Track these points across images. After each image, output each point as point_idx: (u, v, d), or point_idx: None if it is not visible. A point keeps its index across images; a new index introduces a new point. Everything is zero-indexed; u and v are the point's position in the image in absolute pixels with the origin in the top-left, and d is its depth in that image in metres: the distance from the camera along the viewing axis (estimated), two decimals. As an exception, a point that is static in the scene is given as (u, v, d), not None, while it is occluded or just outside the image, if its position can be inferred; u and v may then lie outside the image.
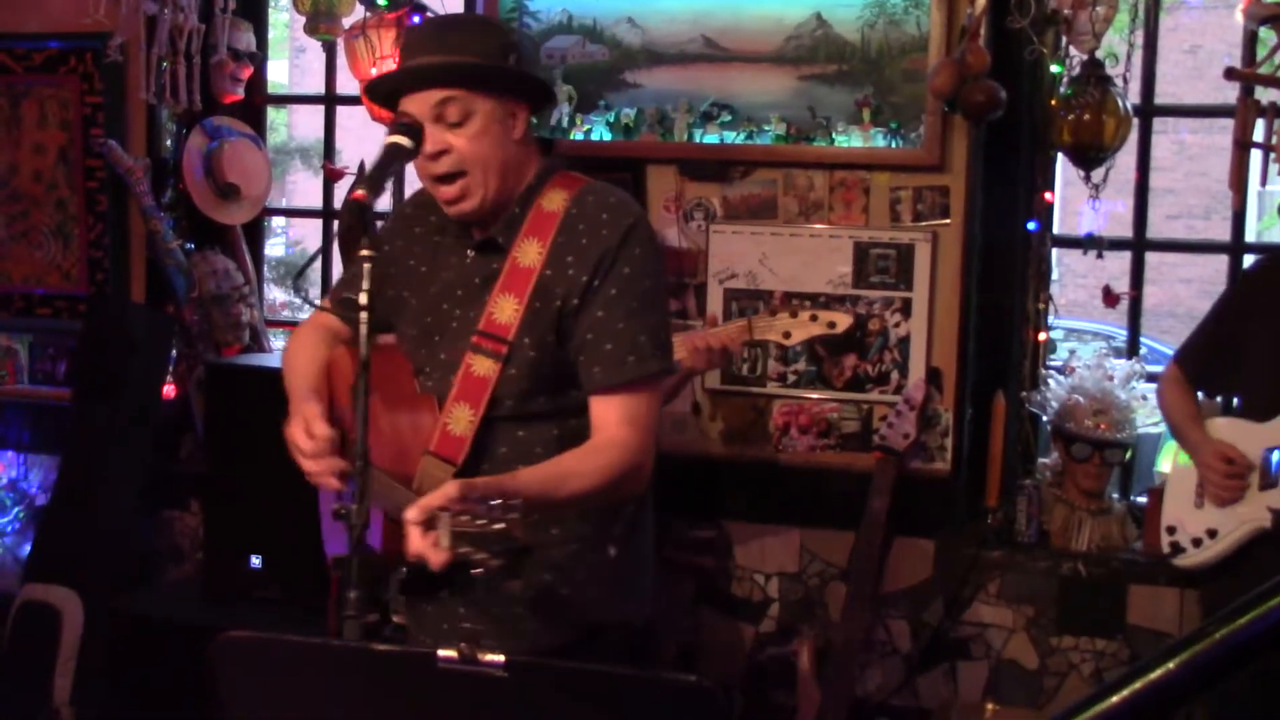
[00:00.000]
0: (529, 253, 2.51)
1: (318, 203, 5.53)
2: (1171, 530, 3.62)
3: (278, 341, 5.71)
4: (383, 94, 2.61)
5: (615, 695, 1.69)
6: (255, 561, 4.57)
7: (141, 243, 5.16)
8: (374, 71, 4.69)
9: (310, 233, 6.18)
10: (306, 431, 2.46)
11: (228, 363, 4.97)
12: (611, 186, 2.66)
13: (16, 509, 5.40)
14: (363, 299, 2.26)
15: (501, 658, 1.59)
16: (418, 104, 2.50)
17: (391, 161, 2.52)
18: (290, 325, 6.06)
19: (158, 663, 4.40)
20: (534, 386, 2.51)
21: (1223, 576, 3.53)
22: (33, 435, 5.38)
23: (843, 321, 3.89)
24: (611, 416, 2.47)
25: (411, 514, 2.13)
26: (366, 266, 2.29)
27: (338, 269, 5.16)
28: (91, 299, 5.21)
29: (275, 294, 6.67)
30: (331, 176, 5.28)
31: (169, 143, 5.21)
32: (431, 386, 2.58)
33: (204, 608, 4.58)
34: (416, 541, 2.12)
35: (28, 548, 5.18)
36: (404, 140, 2.55)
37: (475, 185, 2.52)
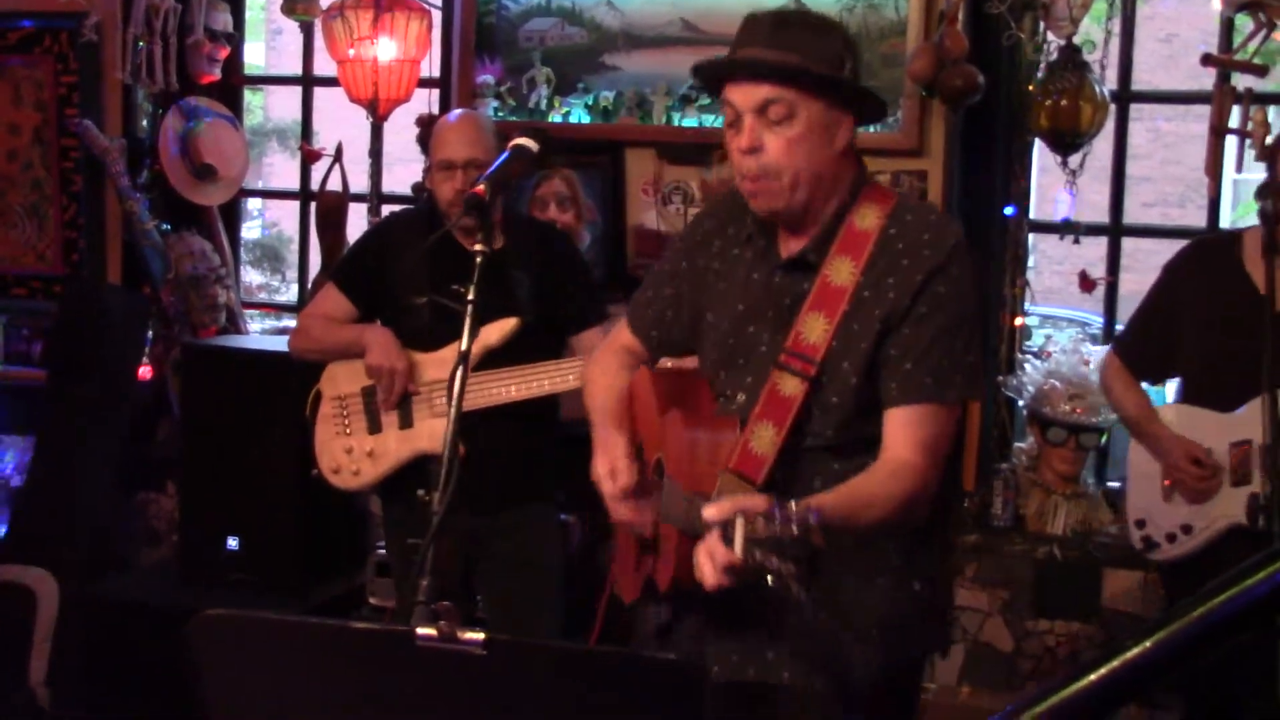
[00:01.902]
0: (842, 271, 2.38)
1: (294, 184, 5.52)
2: (1141, 524, 3.60)
3: (254, 324, 5.70)
4: (708, 76, 2.47)
5: (594, 673, 1.70)
6: (231, 544, 4.56)
7: (117, 223, 5.13)
8: (352, 53, 4.67)
9: (287, 215, 6.16)
10: (611, 473, 2.42)
11: (204, 344, 4.95)
12: (928, 204, 2.53)
13: (-9, 490, 5.38)
14: (470, 294, 2.26)
15: (480, 635, 1.59)
16: (742, 95, 2.35)
17: (515, 162, 2.48)
18: (267, 308, 6.05)
19: (133, 644, 4.39)
20: (856, 415, 2.38)
21: (1193, 572, 3.52)
22: (8, 416, 5.35)
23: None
24: (902, 436, 2.34)
25: (710, 512, 2.04)
26: (478, 261, 2.29)
27: (315, 255, 5.17)
28: (67, 280, 5.19)
29: (252, 276, 6.66)
30: (309, 158, 5.26)
31: (145, 123, 5.18)
32: (735, 410, 2.46)
33: (179, 590, 4.57)
34: (712, 543, 2.04)
35: (2, 529, 5.17)
36: (529, 144, 2.50)
37: (780, 190, 2.37)
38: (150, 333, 5.12)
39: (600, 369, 2.73)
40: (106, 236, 5.17)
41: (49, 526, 4.81)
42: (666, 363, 2.83)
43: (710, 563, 2.05)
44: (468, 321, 2.29)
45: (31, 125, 5.20)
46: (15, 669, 4.47)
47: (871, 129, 4.32)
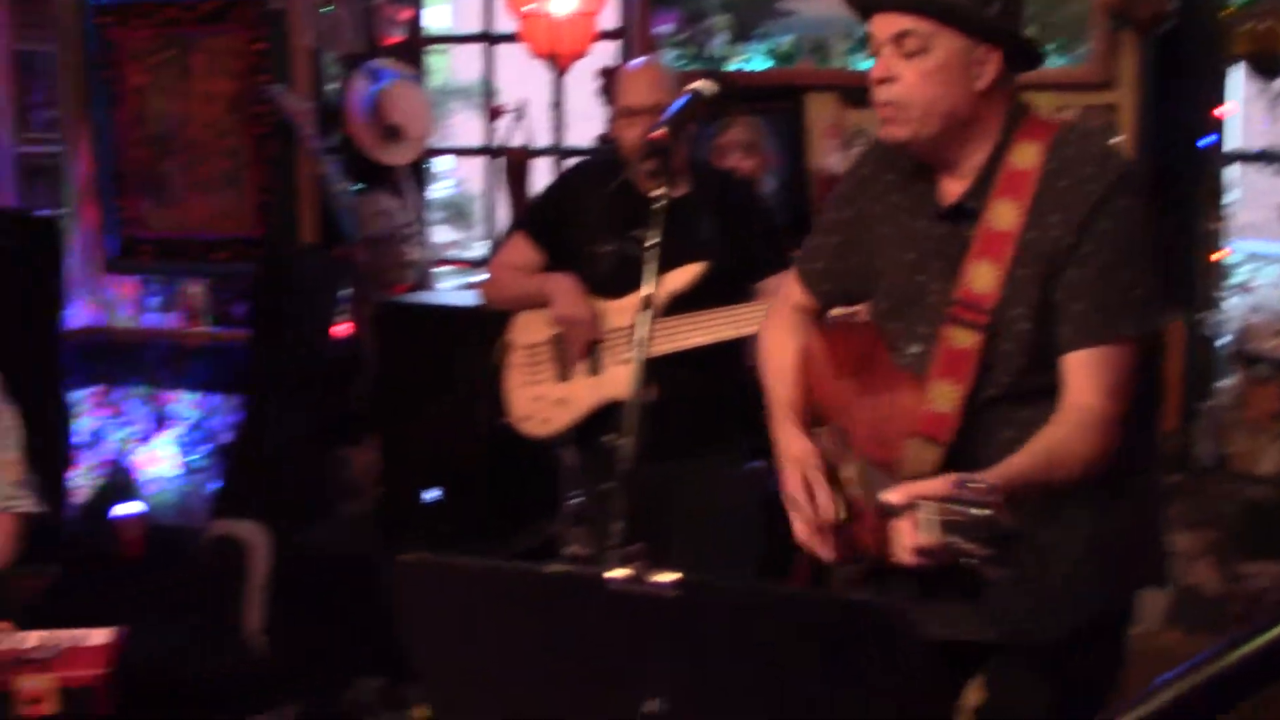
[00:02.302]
0: (1005, 215, 2.30)
1: (480, 142, 5.59)
2: None
3: (446, 282, 5.82)
4: (857, 7, 2.44)
5: (792, 616, 1.69)
6: (430, 495, 4.66)
7: (311, 186, 5.26)
8: (529, 9, 4.70)
9: (474, 173, 6.26)
10: (808, 494, 2.36)
11: (398, 301, 5.06)
12: (1091, 132, 2.45)
13: (203, 447, 5.59)
14: (651, 239, 2.28)
15: (673, 577, 1.59)
16: (881, 25, 2.34)
17: (693, 106, 2.50)
18: (458, 264, 6.16)
19: (339, 593, 4.52)
20: (1032, 361, 2.32)
21: None
22: (216, 375, 5.55)
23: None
24: (1082, 380, 2.27)
25: (891, 497, 2.03)
26: (659, 206, 2.30)
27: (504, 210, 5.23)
28: (264, 242, 5.35)
29: (443, 234, 6.82)
30: (496, 115, 5.32)
31: (333, 86, 5.29)
32: (909, 364, 2.41)
33: (381, 541, 4.69)
34: (905, 528, 2.02)
35: (214, 485, 5.37)
36: (707, 86, 2.51)
37: (908, 120, 2.32)
38: (347, 291, 5.24)
39: (773, 337, 2.68)
40: (300, 199, 5.31)
41: (257, 481, 4.98)
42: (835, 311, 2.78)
43: (903, 543, 2.04)
44: (649, 267, 2.29)
45: (226, 94, 5.35)
46: (232, 618, 4.64)
47: (1057, 64, 4.23)
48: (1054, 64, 4.22)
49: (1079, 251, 2.27)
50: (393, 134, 5.22)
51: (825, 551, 2.35)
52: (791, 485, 2.39)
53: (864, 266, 2.53)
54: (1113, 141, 4.19)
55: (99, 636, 2.73)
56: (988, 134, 2.35)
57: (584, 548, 4.35)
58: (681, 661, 1.68)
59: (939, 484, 1.98)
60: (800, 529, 2.37)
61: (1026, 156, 2.33)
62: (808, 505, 2.35)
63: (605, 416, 3.60)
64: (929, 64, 2.29)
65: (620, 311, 3.59)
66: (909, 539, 2.01)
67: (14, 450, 3.28)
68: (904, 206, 2.45)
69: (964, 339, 2.30)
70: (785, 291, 2.72)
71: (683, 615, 1.65)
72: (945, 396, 2.29)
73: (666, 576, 1.61)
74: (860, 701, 1.65)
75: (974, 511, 1.89)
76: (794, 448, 2.43)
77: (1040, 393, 2.31)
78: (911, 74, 2.29)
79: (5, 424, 3.28)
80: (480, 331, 4.18)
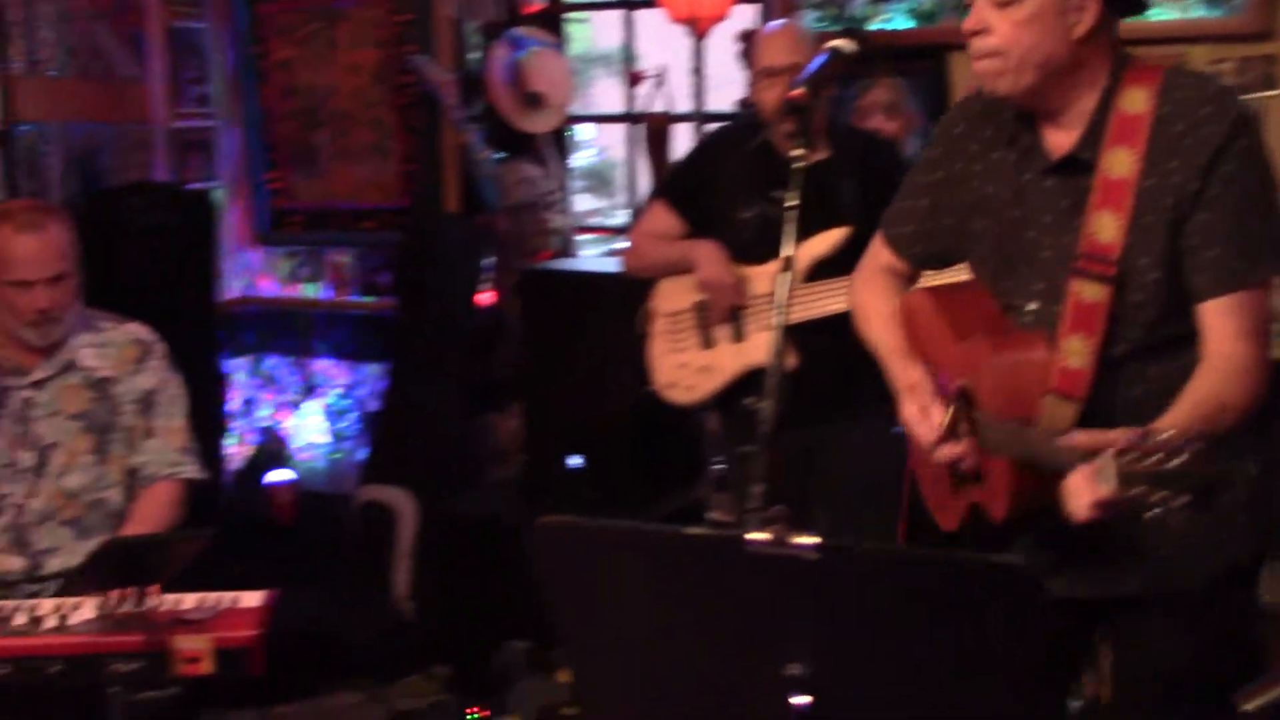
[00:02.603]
0: (1121, 162, 2.27)
1: (620, 110, 5.60)
2: None
3: (587, 249, 5.84)
4: None
5: (928, 576, 1.68)
6: (573, 462, 4.69)
7: (454, 155, 5.31)
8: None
9: (616, 141, 6.28)
10: (923, 414, 2.38)
11: (542, 268, 5.10)
12: (1202, 75, 2.43)
13: (352, 415, 5.69)
14: (790, 200, 2.26)
15: (813, 540, 1.59)
16: None
17: (832, 64, 2.49)
18: (600, 231, 6.18)
19: (485, 558, 4.58)
20: (1162, 313, 2.29)
21: None
22: (363, 344, 5.65)
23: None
24: (1224, 328, 2.24)
25: (1077, 439, 2.03)
26: (799, 166, 2.29)
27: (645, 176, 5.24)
28: (410, 212, 5.41)
29: (585, 202, 6.85)
30: (636, 82, 5.33)
31: (475, 55, 5.33)
32: (1031, 321, 2.39)
33: (525, 507, 4.73)
34: (1080, 479, 2.01)
35: (363, 452, 5.46)
36: (846, 44, 2.50)
37: (1006, 71, 2.29)
38: (491, 259, 5.29)
39: (868, 295, 2.66)
40: (444, 168, 5.36)
41: (405, 447, 5.06)
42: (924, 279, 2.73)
43: (1080, 498, 2.00)
44: (789, 228, 2.27)
45: (370, 65, 5.43)
46: (380, 583, 4.73)
47: (1212, 14, 4.09)
48: (1210, 15, 4.10)
49: (1205, 196, 2.23)
50: (534, 102, 5.24)
51: (956, 454, 2.33)
52: (908, 411, 2.40)
53: (957, 228, 2.50)
54: (1263, 95, 4.07)
55: (252, 599, 2.79)
56: (1093, 81, 2.30)
57: (726, 513, 4.35)
58: (822, 623, 1.68)
59: (1120, 434, 1.94)
60: (930, 448, 2.35)
61: (1136, 102, 2.28)
62: (923, 426, 2.35)
63: (749, 382, 3.59)
64: (1022, 13, 2.25)
65: (763, 277, 3.57)
66: (1088, 494, 1.97)
67: (180, 418, 3.38)
68: (1009, 162, 2.41)
69: (1093, 292, 2.26)
70: (872, 254, 2.68)
71: (822, 577, 1.64)
72: (1078, 352, 2.26)
73: (806, 539, 1.60)
74: (996, 661, 1.64)
75: (1173, 462, 1.84)
76: (910, 376, 2.43)
77: (1168, 348, 2.29)
78: (1005, 24, 2.26)
79: (172, 392, 3.37)
80: (622, 299, 4.19)
